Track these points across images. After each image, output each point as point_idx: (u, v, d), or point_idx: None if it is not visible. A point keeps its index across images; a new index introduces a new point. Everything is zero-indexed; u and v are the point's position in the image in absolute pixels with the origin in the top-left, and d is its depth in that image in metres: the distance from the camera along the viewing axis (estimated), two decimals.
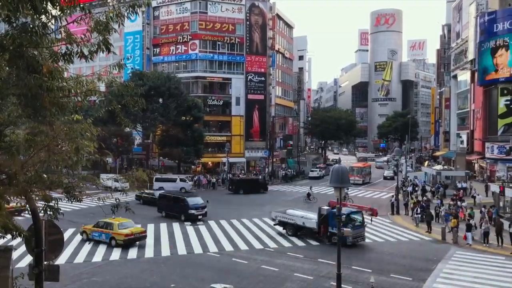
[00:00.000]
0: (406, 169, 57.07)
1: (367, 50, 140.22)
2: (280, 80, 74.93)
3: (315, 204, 35.52)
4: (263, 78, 66.25)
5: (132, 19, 8.21)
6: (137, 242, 23.97)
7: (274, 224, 27.81)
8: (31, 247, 8.34)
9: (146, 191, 39.96)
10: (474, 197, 36.84)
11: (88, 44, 6.76)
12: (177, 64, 65.96)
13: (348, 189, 39.88)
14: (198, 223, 29.95)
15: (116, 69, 7.61)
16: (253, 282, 18.19)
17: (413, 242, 26.04)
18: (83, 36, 6.66)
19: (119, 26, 6.98)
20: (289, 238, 25.95)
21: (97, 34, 6.60)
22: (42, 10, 5.85)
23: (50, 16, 6.15)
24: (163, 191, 36.71)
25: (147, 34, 66.58)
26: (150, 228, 27.96)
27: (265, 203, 39.15)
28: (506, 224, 25.59)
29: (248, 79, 65.19)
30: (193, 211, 30.35)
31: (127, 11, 6.88)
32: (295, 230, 26.53)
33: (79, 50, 6.64)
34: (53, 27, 6.58)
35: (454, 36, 66.50)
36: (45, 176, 7.63)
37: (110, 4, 7.75)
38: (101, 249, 22.86)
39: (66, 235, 24.32)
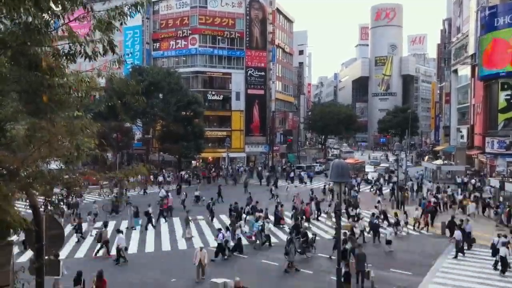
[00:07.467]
0: (406, 164, 56.94)
1: (368, 45, 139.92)
2: (280, 75, 74.81)
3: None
4: (263, 73, 66.15)
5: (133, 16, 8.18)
6: None
7: None
8: (31, 241, 8.40)
9: None
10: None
11: (91, 44, 6.72)
12: (177, 59, 65.88)
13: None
14: (198, 218, 30.00)
15: (116, 65, 7.60)
16: (254, 277, 18.25)
17: (413, 236, 26.13)
18: (87, 37, 6.63)
19: (121, 25, 6.95)
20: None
21: (100, 34, 6.57)
22: (45, 8, 5.84)
23: (52, 14, 6.14)
24: None
25: (146, 29, 66.38)
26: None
27: (261, 199, 39.24)
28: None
29: (248, 74, 65.09)
30: None
31: (129, 10, 6.86)
32: None
33: (82, 50, 6.62)
34: (55, 25, 6.58)
35: (455, 31, 66.30)
36: (46, 171, 7.65)
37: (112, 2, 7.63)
38: None
39: (67, 230, 24.41)
